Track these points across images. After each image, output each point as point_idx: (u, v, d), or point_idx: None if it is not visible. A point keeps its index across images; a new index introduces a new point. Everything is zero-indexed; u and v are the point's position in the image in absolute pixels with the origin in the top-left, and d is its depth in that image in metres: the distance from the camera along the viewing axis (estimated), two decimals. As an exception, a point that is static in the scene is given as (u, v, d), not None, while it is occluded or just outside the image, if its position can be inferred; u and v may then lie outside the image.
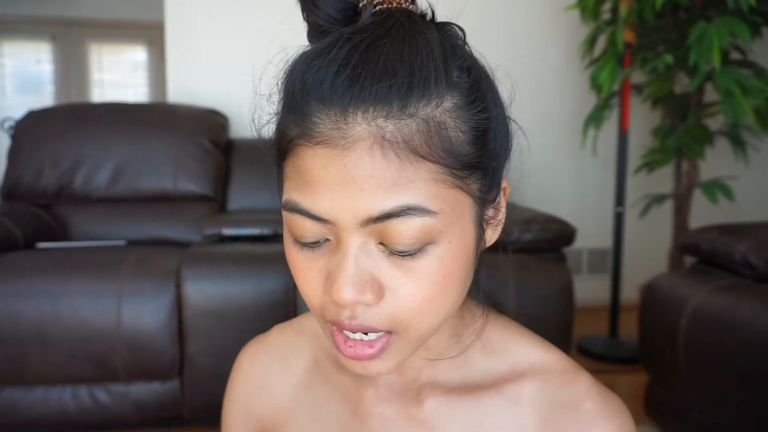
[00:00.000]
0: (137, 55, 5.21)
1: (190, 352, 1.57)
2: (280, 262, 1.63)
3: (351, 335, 0.42)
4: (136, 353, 1.53)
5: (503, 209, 0.48)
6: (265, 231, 1.83)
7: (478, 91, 0.42)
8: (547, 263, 1.70)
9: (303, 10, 0.47)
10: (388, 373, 0.45)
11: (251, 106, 0.49)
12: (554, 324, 1.57)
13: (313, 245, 0.42)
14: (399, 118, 0.38)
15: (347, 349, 0.42)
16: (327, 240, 0.41)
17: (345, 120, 0.38)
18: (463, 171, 0.41)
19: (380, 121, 0.38)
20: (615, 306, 2.33)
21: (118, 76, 5.19)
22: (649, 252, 2.77)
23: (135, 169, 2.12)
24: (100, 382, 1.58)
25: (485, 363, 0.51)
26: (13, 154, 2.14)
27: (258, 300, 1.56)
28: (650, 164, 2.34)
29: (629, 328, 2.35)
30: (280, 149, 0.43)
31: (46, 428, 1.61)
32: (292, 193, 0.41)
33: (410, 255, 0.40)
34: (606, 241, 2.77)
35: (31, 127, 2.16)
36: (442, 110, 0.40)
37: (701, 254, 1.53)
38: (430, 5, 0.47)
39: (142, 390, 1.60)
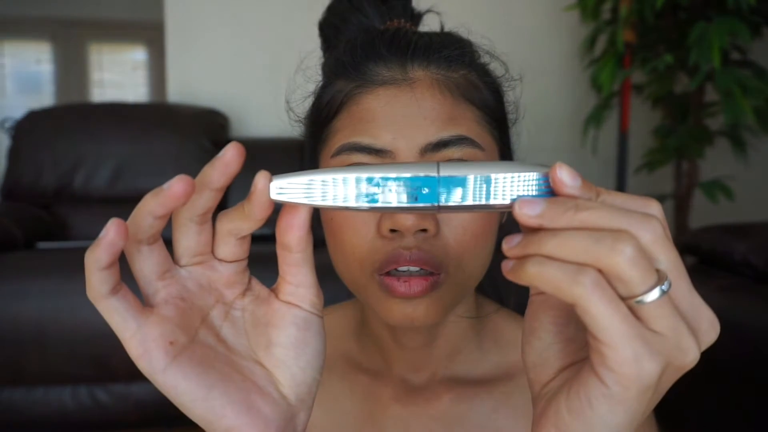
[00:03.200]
0: (137, 55, 5.21)
1: (190, 352, 1.57)
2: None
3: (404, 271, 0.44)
4: (136, 353, 1.53)
5: None
6: (265, 231, 1.83)
7: (490, 73, 0.52)
8: (547, 263, 1.70)
9: (325, 34, 0.56)
10: (430, 324, 0.46)
11: (284, 92, 0.56)
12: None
13: None
14: (447, 71, 0.47)
15: (402, 285, 0.44)
16: None
17: (404, 69, 0.47)
18: (493, 122, 0.49)
19: (433, 69, 0.47)
20: (615, 306, 2.32)
21: (118, 76, 5.19)
22: (649, 252, 2.76)
23: (135, 169, 2.12)
24: (100, 382, 1.58)
25: (499, 354, 0.54)
26: (13, 154, 2.14)
27: (258, 300, 1.56)
28: (650, 164, 2.34)
29: (629, 328, 2.35)
30: (329, 110, 0.48)
31: (46, 428, 1.61)
32: (349, 138, 0.46)
33: None
34: (606, 241, 2.76)
35: (31, 127, 2.16)
36: (472, 76, 0.49)
37: (701, 254, 1.53)
38: (440, 22, 0.56)
39: (142, 390, 1.60)
